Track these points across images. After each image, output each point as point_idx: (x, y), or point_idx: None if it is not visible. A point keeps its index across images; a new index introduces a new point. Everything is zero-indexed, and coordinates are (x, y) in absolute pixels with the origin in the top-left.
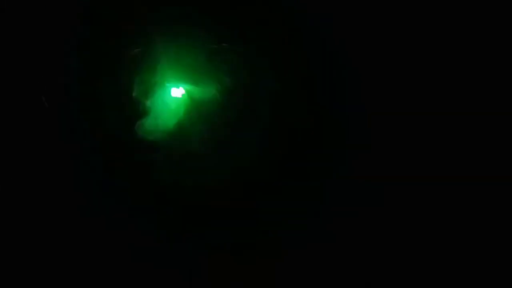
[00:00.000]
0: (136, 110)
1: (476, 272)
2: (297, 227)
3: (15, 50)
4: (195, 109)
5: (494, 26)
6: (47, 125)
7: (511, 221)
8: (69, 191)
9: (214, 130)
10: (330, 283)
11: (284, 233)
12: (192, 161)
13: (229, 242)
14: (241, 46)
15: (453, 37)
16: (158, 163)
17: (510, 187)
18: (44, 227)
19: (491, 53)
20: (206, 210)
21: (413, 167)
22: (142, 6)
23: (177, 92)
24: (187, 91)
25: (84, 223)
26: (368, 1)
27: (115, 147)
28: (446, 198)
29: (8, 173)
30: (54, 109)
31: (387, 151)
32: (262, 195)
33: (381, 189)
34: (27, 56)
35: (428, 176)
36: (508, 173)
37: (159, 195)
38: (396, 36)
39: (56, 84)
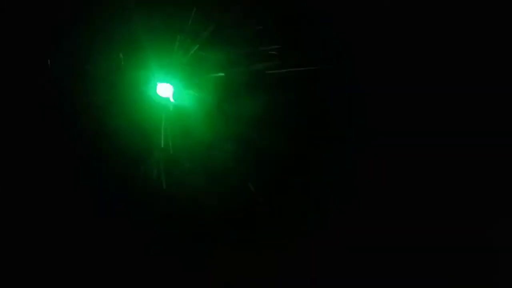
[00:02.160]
0: (131, 108)
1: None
2: (297, 224)
3: (12, 50)
4: (183, 107)
5: (493, 26)
6: (45, 126)
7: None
8: (69, 192)
9: (210, 128)
10: (329, 278)
11: (283, 230)
12: (191, 160)
13: (230, 239)
14: (236, 46)
15: (451, 38)
16: (157, 162)
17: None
18: (45, 226)
19: (490, 51)
20: (205, 209)
21: (412, 166)
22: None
23: (163, 88)
24: (174, 88)
25: (84, 222)
26: (369, 2)
27: (113, 146)
28: (445, 197)
29: (9, 173)
30: (52, 110)
31: (387, 150)
32: (262, 193)
33: (381, 188)
34: (24, 56)
35: (427, 175)
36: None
37: (159, 194)
38: (396, 37)
39: (52, 84)
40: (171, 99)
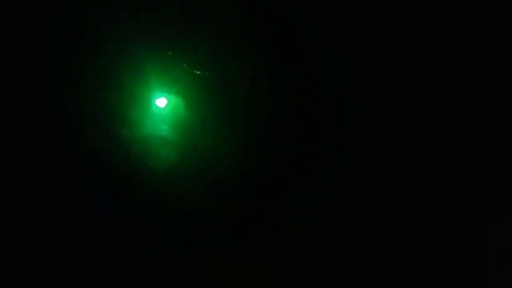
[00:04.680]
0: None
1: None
2: (296, 225)
3: (12, 51)
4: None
5: (491, 25)
6: (47, 131)
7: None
8: (68, 193)
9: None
10: (328, 279)
11: (283, 231)
12: (188, 163)
13: (228, 241)
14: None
15: (451, 39)
16: (154, 166)
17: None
18: (43, 227)
19: (490, 52)
20: (204, 212)
21: (411, 167)
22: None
23: (161, 102)
24: (169, 101)
25: (83, 224)
26: (368, 3)
27: (114, 150)
28: (444, 197)
29: (6, 173)
30: (53, 116)
31: (386, 151)
32: (260, 196)
33: (379, 189)
34: (25, 58)
35: (426, 175)
36: (506, 174)
37: (157, 198)
38: (396, 38)
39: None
40: (168, 110)
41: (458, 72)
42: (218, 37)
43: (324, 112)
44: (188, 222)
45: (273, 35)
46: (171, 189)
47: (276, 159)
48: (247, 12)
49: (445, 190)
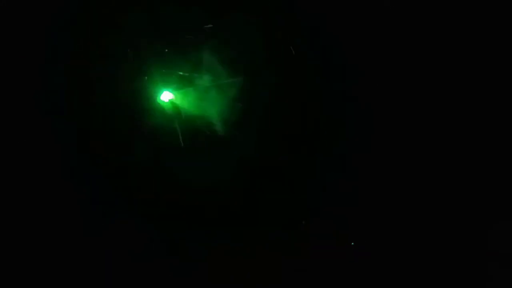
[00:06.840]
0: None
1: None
2: (296, 225)
3: (13, 50)
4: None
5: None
6: (45, 125)
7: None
8: (68, 191)
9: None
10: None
11: (283, 231)
12: (188, 160)
13: (229, 239)
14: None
15: (451, 38)
16: (156, 162)
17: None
18: (43, 225)
19: (490, 52)
20: (204, 209)
21: (411, 167)
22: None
23: (166, 96)
24: (174, 95)
25: (83, 222)
26: (370, 3)
27: (115, 147)
28: (444, 197)
29: (6, 173)
30: (53, 110)
31: (387, 153)
32: (260, 193)
33: (380, 188)
34: (27, 56)
35: (426, 176)
36: (507, 174)
37: (158, 194)
38: (397, 37)
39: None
40: (172, 103)
41: (458, 73)
42: (217, 38)
43: (325, 112)
44: (188, 222)
45: (273, 35)
46: (172, 187)
47: (276, 159)
48: (246, 13)
49: (445, 191)
